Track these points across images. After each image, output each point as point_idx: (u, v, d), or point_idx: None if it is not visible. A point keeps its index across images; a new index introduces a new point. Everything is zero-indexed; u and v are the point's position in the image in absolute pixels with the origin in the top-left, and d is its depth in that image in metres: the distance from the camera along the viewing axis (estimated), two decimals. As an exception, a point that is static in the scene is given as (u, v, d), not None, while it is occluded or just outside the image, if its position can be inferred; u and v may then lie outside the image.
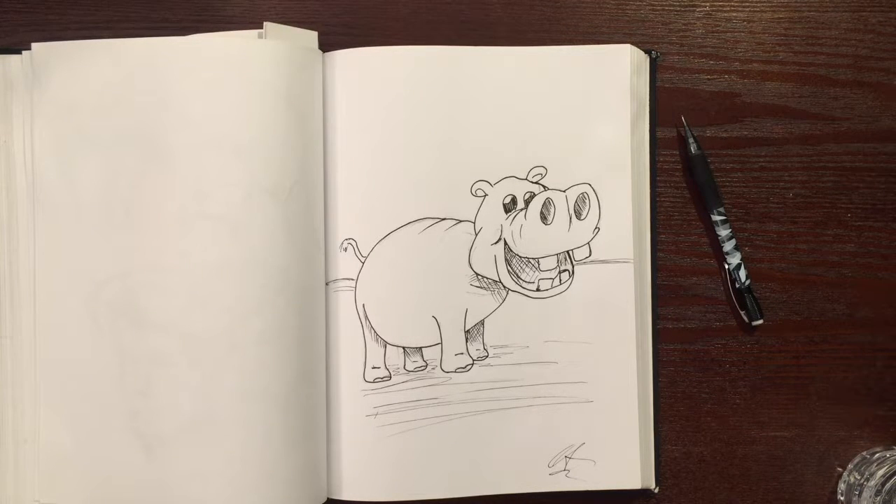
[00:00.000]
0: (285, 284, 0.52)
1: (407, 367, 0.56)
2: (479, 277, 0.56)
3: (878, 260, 0.59)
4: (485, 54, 0.56)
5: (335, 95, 0.55)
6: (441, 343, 0.56)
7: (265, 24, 0.54)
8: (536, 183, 0.56)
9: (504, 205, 0.56)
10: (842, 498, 0.58)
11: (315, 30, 0.56)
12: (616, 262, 0.56)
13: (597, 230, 0.56)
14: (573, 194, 0.56)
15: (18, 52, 0.55)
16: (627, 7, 0.58)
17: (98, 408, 0.52)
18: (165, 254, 0.52)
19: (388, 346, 0.55)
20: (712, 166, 0.58)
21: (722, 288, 0.59)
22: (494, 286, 0.56)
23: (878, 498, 0.55)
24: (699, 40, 0.59)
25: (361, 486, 0.55)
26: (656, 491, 0.57)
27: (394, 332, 0.55)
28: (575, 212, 0.56)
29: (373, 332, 0.55)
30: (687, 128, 0.58)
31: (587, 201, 0.56)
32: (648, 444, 0.57)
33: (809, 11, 0.59)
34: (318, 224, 0.55)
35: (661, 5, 0.59)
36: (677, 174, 0.59)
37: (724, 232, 0.58)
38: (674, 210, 0.58)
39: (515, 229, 0.56)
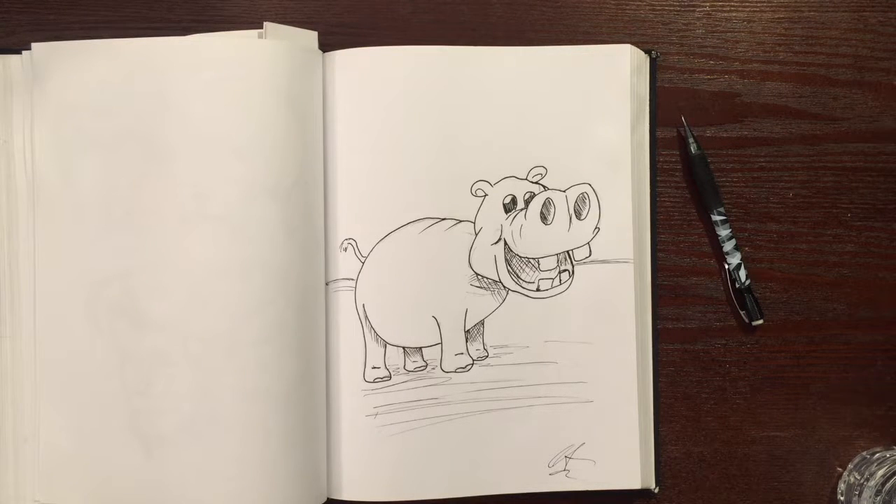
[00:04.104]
0: (285, 284, 0.52)
1: (407, 367, 0.56)
2: (479, 277, 0.56)
3: (878, 260, 0.59)
4: (485, 54, 0.56)
5: (335, 95, 0.55)
6: (441, 343, 0.56)
7: (265, 24, 0.54)
8: (536, 183, 0.56)
9: (504, 205, 0.56)
10: (842, 498, 0.58)
11: (315, 30, 0.56)
12: (616, 262, 0.56)
13: (597, 230, 0.56)
14: (573, 194, 0.56)
15: (18, 52, 0.55)
16: (627, 7, 0.58)
17: (98, 408, 0.53)
18: (165, 254, 0.52)
19: (388, 346, 0.55)
20: (712, 166, 0.58)
21: (722, 288, 0.59)
22: (494, 286, 0.56)
23: (878, 498, 0.55)
24: (699, 40, 0.59)
25: (361, 486, 0.55)
26: (656, 491, 0.57)
27: (394, 332, 0.55)
28: (575, 212, 0.56)
29: (373, 332, 0.55)
30: (687, 128, 0.58)
31: (587, 201, 0.56)
32: (648, 444, 0.57)
33: (809, 11, 0.59)
34: (318, 224, 0.55)
35: (661, 5, 0.59)
36: (677, 174, 0.59)
37: (724, 232, 0.58)
38: (674, 210, 0.58)
39: (515, 229, 0.56)
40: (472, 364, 0.56)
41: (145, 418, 0.52)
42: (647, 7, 0.58)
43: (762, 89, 0.59)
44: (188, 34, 0.54)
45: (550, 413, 0.56)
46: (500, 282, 0.56)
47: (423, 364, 0.56)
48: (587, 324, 0.56)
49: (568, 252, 0.56)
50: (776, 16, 0.59)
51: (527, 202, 0.56)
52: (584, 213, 0.56)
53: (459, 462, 0.55)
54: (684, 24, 0.59)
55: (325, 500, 0.55)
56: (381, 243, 0.55)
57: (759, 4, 0.59)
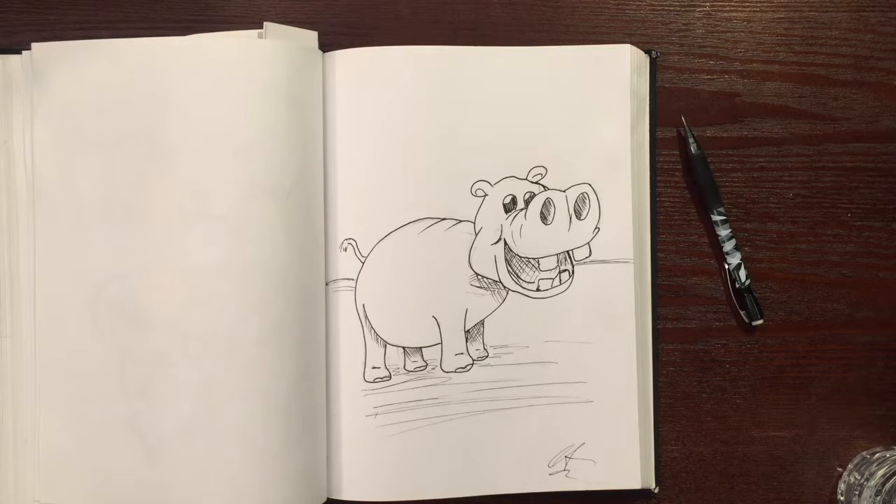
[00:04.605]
0: (285, 284, 0.52)
1: (407, 367, 0.56)
2: (479, 277, 0.56)
3: (878, 260, 0.59)
4: (485, 54, 0.56)
5: (335, 95, 0.55)
6: (441, 343, 0.56)
7: (265, 24, 0.54)
8: (536, 183, 0.56)
9: (504, 205, 0.56)
10: (842, 498, 0.58)
11: (315, 30, 0.56)
12: (616, 262, 0.56)
13: (597, 230, 0.56)
14: (573, 194, 0.56)
15: (18, 52, 0.55)
16: (627, 7, 0.58)
17: (98, 408, 0.53)
18: (165, 254, 0.52)
19: (388, 346, 0.55)
20: (712, 166, 0.58)
21: (722, 288, 0.59)
22: (494, 286, 0.56)
23: (878, 498, 0.55)
24: (699, 40, 0.59)
25: (361, 486, 0.55)
26: (656, 491, 0.57)
27: (394, 332, 0.55)
28: (575, 212, 0.56)
29: (373, 332, 0.55)
30: (687, 128, 0.58)
31: (587, 201, 0.56)
32: (648, 444, 0.57)
33: (809, 11, 0.59)
34: (318, 224, 0.55)
35: (661, 5, 0.59)
36: (677, 174, 0.59)
37: (724, 232, 0.58)
38: (674, 210, 0.58)
39: (515, 229, 0.56)
40: (472, 364, 0.56)
41: (145, 418, 0.52)
42: (647, 7, 0.58)
43: (762, 89, 0.59)
44: (188, 34, 0.54)
45: (550, 413, 0.56)
46: (500, 282, 0.56)
47: (423, 364, 0.56)
48: (587, 324, 0.56)
49: (568, 252, 0.56)
50: (776, 16, 0.59)
51: (527, 202, 0.56)
52: (584, 213, 0.56)
53: (459, 462, 0.55)
54: (684, 24, 0.59)
55: (325, 500, 0.55)
56: (381, 243, 0.55)
57: (759, 4, 0.59)
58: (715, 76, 0.59)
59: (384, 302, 0.55)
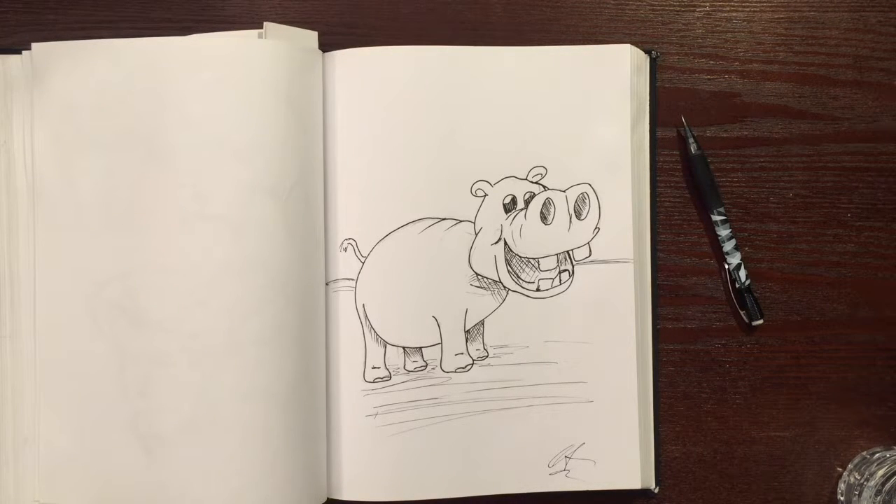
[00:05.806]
0: (285, 284, 0.52)
1: (407, 367, 0.56)
2: (479, 277, 0.56)
3: (878, 260, 0.59)
4: (485, 54, 0.56)
5: (335, 95, 0.55)
6: (441, 343, 0.56)
7: (265, 24, 0.54)
8: (536, 183, 0.56)
9: (504, 205, 0.56)
10: (842, 498, 0.58)
11: (315, 30, 0.56)
12: (616, 262, 0.56)
13: (597, 230, 0.56)
14: (573, 194, 0.56)
15: (18, 52, 0.55)
16: (627, 7, 0.58)
17: (98, 408, 0.53)
18: (165, 254, 0.52)
19: (388, 346, 0.55)
20: (712, 166, 0.58)
21: (722, 288, 0.59)
22: (494, 286, 0.56)
23: (878, 498, 0.55)
24: (699, 40, 0.59)
25: (361, 486, 0.55)
26: (656, 491, 0.57)
27: (394, 332, 0.55)
28: (575, 212, 0.56)
29: (373, 332, 0.55)
30: (687, 128, 0.58)
31: (587, 201, 0.56)
32: (648, 444, 0.57)
33: (809, 11, 0.59)
34: (318, 224, 0.55)
35: (661, 5, 0.59)
36: (677, 174, 0.59)
37: (724, 232, 0.58)
38: (674, 210, 0.58)
39: (515, 229, 0.56)
40: (472, 364, 0.56)
41: (145, 418, 0.52)
42: (647, 7, 0.58)
43: (762, 89, 0.59)
44: (188, 34, 0.54)
45: (550, 413, 0.56)
46: (500, 282, 0.56)
47: (423, 364, 0.56)
48: (587, 324, 0.56)
49: (568, 252, 0.56)
50: (776, 16, 0.59)
51: (527, 202, 0.56)
52: (584, 213, 0.56)
53: (459, 462, 0.55)
54: (684, 24, 0.59)
55: (325, 500, 0.55)
56: (381, 243, 0.55)
57: (759, 4, 0.59)
58: (715, 76, 0.59)
59: (384, 302, 0.55)
